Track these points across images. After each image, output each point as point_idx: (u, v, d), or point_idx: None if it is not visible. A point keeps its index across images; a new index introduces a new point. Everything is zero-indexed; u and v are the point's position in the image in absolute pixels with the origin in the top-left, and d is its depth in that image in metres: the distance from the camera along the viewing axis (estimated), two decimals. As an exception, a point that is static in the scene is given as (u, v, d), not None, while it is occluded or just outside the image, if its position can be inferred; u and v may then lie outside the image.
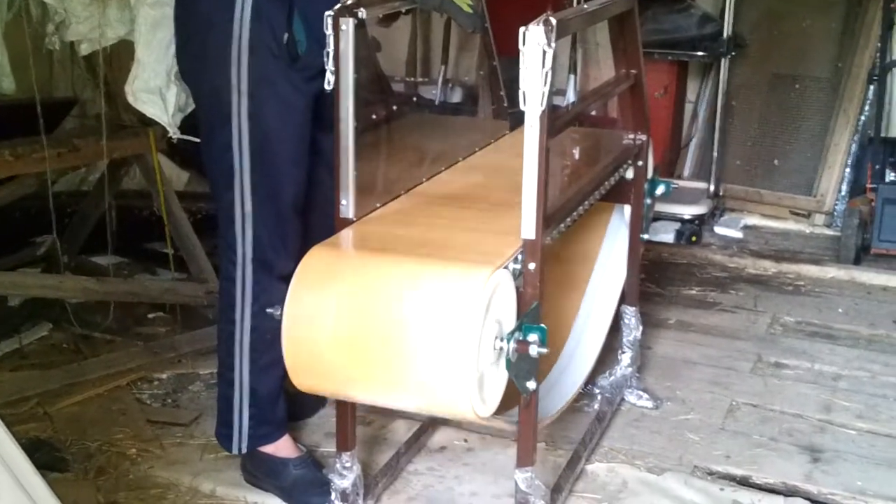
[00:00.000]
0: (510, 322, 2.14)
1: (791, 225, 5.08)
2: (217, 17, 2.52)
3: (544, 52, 2.04)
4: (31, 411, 3.20)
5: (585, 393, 3.24)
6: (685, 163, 5.42)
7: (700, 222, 4.89)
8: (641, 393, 3.28)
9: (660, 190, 3.21)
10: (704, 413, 3.24)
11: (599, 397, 3.21)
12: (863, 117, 4.97)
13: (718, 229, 5.00)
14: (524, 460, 2.32)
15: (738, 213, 5.17)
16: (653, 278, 4.35)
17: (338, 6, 2.25)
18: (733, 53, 5.03)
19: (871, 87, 4.87)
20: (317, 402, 3.11)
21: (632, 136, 3.07)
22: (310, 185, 2.70)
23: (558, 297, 3.12)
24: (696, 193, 5.00)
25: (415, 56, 5.53)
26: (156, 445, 3.03)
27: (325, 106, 2.51)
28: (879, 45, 4.77)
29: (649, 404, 3.26)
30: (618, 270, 3.23)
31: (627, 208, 3.14)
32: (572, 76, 5.06)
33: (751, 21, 5.26)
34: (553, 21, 2.05)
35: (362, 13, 2.27)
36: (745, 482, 2.87)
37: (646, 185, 3.13)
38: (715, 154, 5.07)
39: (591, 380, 3.23)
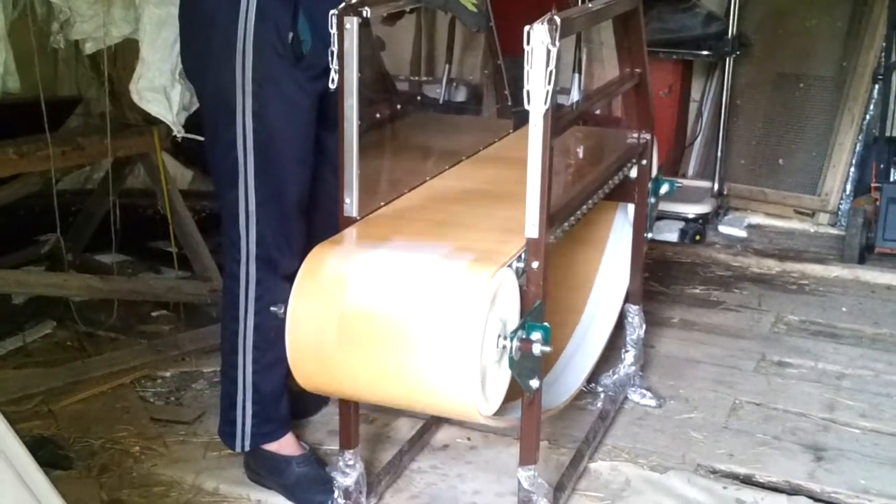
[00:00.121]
0: (514, 320, 2.14)
1: (795, 224, 5.07)
2: (222, 17, 2.52)
3: (548, 51, 2.04)
4: (35, 409, 3.20)
5: (589, 391, 3.25)
6: (689, 162, 5.42)
7: (704, 221, 4.88)
8: (645, 391, 3.28)
9: (664, 189, 3.21)
10: (708, 411, 3.24)
11: (603, 395, 3.22)
12: (867, 116, 4.97)
13: (722, 228, 5.00)
14: (527, 458, 2.32)
15: (742, 212, 5.17)
16: (656, 277, 4.35)
17: (342, 5, 2.25)
18: (738, 52, 5.04)
19: (876, 87, 4.87)
20: (320, 400, 3.11)
21: (636, 134, 3.07)
22: (314, 183, 2.70)
23: (563, 295, 3.12)
24: (700, 192, 5.00)
25: (419, 55, 5.54)
26: (159, 443, 3.03)
27: (329, 105, 2.51)
28: (884, 44, 4.76)
29: (652, 403, 3.26)
30: (622, 269, 3.23)
31: (631, 207, 3.13)
32: (576, 75, 5.06)
33: (755, 20, 5.26)
34: (557, 20, 2.05)
35: (367, 12, 2.27)
36: (748, 481, 2.87)
37: (650, 184, 3.13)
38: (719, 153, 5.07)
39: (595, 378, 3.23)
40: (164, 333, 3.80)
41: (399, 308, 2.07)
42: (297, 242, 2.65)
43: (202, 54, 2.61)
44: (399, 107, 2.76)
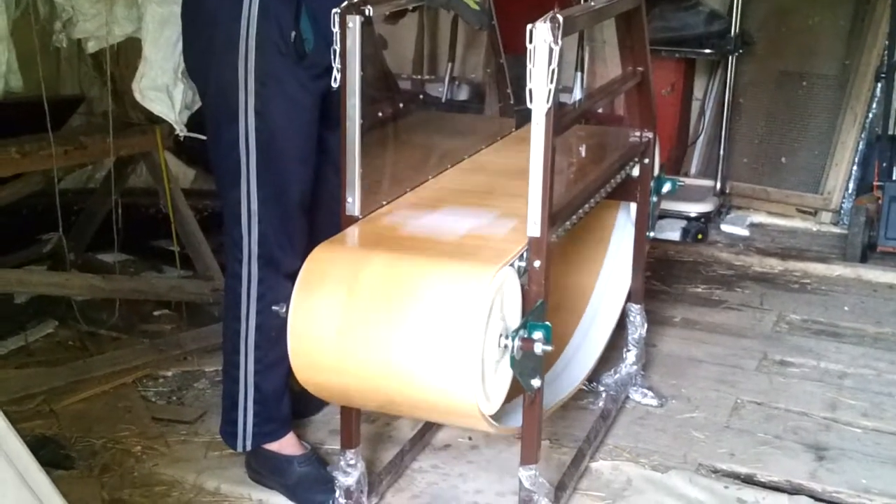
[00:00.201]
0: (515, 320, 2.14)
1: (798, 223, 5.07)
2: (224, 15, 2.52)
3: (551, 50, 2.04)
4: (37, 408, 3.21)
5: (590, 391, 3.25)
6: (692, 160, 5.42)
7: (706, 220, 4.88)
8: (646, 391, 3.28)
9: (666, 187, 3.21)
10: (709, 411, 3.24)
11: (604, 395, 3.21)
12: (870, 115, 4.96)
13: (725, 227, 5.00)
14: (528, 458, 2.32)
15: (744, 211, 5.17)
16: (658, 276, 4.35)
17: (345, 3, 2.25)
18: (741, 51, 5.04)
19: (879, 85, 4.86)
20: (321, 399, 3.10)
21: (638, 133, 3.06)
22: (316, 182, 2.70)
23: (564, 294, 3.12)
24: (702, 191, 5.00)
25: (421, 53, 5.54)
26: (161, 443, 3.03)
27: (331, 104, 2.51)
28: (887, 42, 4.75)
29: (654, 402, 3.26)
30: (624, 268, 3.22)
31: (633, 206, 3.13)
32: (579, 74, 5.05)
33: (758, 18, 5.26)
34: (560, 18, 2.05)
35: (369, 10, 2.27)
36: (749, 480, 2.87)
37: (652, 183, 3.13)
38: (722, 152, 5.07)
39: (596, 377, 3.23)
40: (166, 333, 3.80)
41: (401, 307, 2.07)
42: (300, 241, 2.65)
43: (204, 53, 2.61)
44: (401, 105, 2.75)
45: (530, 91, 2.07)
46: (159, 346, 3.63)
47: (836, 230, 4.95)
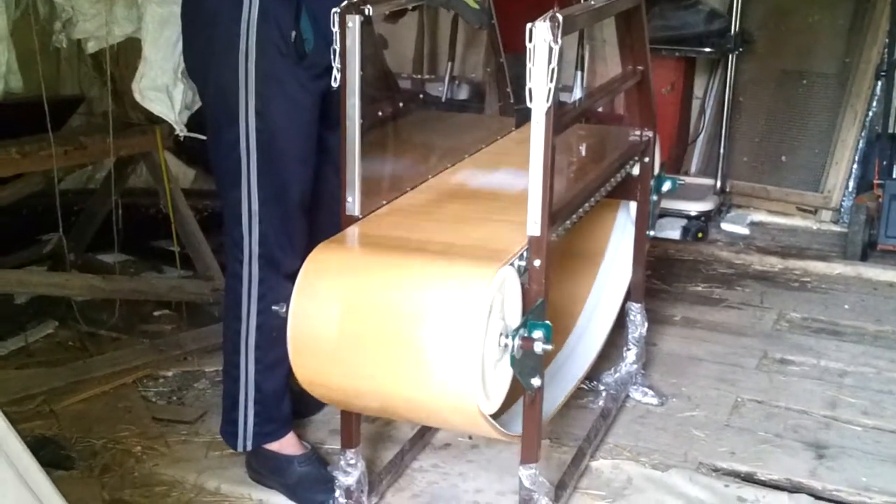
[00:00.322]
0: (515, 319, 2.14)
1: (798, 221, 5.07)
2: (224, 16, 2.52)
3: (551, 49, 2.04)
4: (37, 409, 3.21)
5: (590, 389, 3.25)
6: (692, 159, 5.42)
7: (706, 219, 4.88)
8: (646, 389, 3.28)
9: (666, 186, 3.21)
10: (710, 409, 3.24)
11: (604, 394, 3.21)
12: (870, 113, 4.96)
13: (725, 226, 5.00)
14: (528, 457, 2.32)
15: (744, 210, 5.17)
16: (659, 275, 4.35)
17: (344, 3, 2.25)
18: (741, 50, 5.04)
19: (879, 83, 4.86)
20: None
21: (638, 132, 3.06)
22: (316, 182, 2.70)
23: (564, 293, 3.12)
24: (702, 190, 5.00)
25: (421, 53, 5.53)
26: (161, 443, 3.03)
27: (332, 104, 2.51)
28: (887, 40, 4.75)
29: (654, 401, 3.26)
30: (624, 267, 3.22)
31: (633, 205, 3.13)
32: (579, 73, 5.05)
33: (758, 17, 5.26)
34: (559, 17, 2.05)
35: (369, 10, 2.27)
36: (749, 478, 2.87)
37: (652, 182, 3.13)
38: (722, 150, 5.08)
39: (597, 376, 3.23)
40: (166, 333, 3.80)
41: (401, 307, 2.07)
42: (300, 242, 2.65)
43: (205, 53, 2.61)
44: (401, 105, 2.75)
45: (530, 90, 2.06)
46: (159, 346, 3.63)
47: (837, 228, 4.95)
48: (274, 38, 2.52)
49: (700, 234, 4.80)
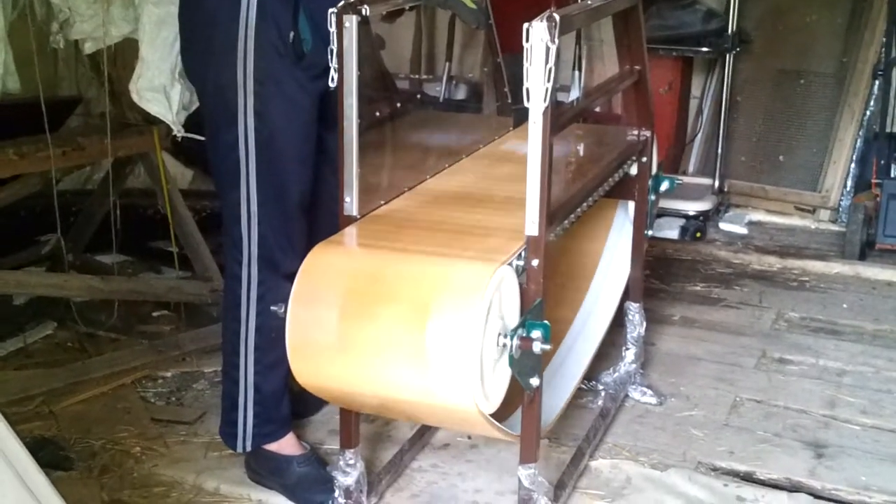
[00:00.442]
0: (513, 318, 2.14)
1: (796, 221, 5.07)
2: (222, 16, 2.52)
3: (548, 49, 2.04)
4: (36, 410, 3.21)
5: (589, 389, 3.25)
6: (690, 159, 5.42)
7: (705, 218, 4.88)
8: (645, 389, 3.28)
9: (664, 186, 3.21)
10: (708, 409, 3.24)
11: (603, 394, 3.22)
12: (868, 113, 4.96)
13: (723, 225, 5.00)
14: (527, 457, 2.32)
15: (742, 209, 5.17)
16: (657, 274, 4.35)
17: (341, 3, 2.25)
18: (738, 49, 5.04)
19: (877, 83, 4.87)
20: (320, 399, 3.09)
21: (636, 132, 3.06)
22: (316, 183, 2.69)
23: (562, 293, 3.12)
24: (700, 189, 5.00)
25: (419, 53, 5.53)
26: (160, 444, 3.03)
27: (330, 104, 2.50)
28: (885, 40, 4.76)
29: (653, 400, 3.26)
30: (621, 267, 3.22)
31: (632, 204, 3.13)
32: (576, 72, 5.05)
33: (755, 16, 5.26)
34: (556, 17, 2.05)
35: (366, 10, 2.27)
36: (749, 478, 2.87)
37: (650, 182, 3.13)
38: (719, 150, 5.07)
39: (596, 376, 3.24)
40: (165, 334, 3.80)
41: (399, 307, 2.07)
42: (299, 242, 2.65)
43: (203, 54, 2.61)
44: (399, 105, 2.75)
45: (527, 90, 2.07)
46: (158, 346, 3.63)
47: (835, 228, 4.95)
48: (272, 38, 2.52)
49: (698, 234, 4.81)
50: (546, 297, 2.21)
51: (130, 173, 4.19)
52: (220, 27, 2.53)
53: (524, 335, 2.11)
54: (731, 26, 4.97)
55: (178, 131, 3.36)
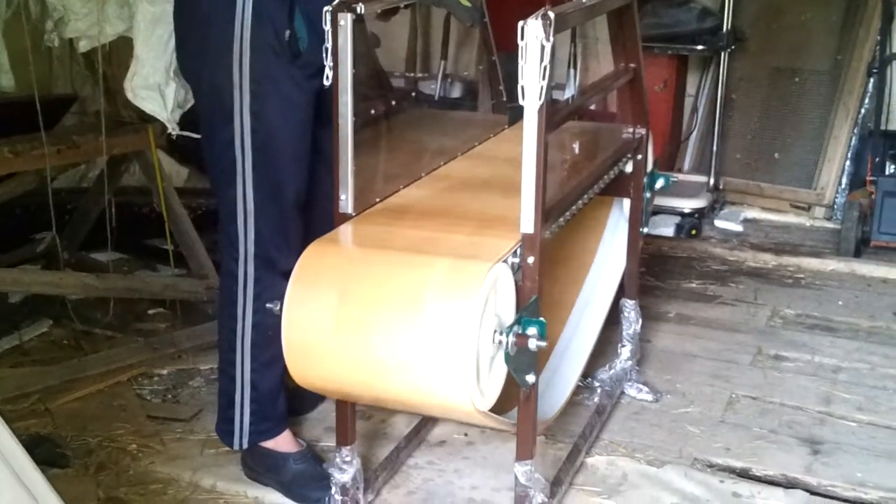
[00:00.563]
0: (509, 316, 2.14)
1: (791, 218, 5.08)
2: (218, 15, 2.52)
3: (543, 47, 2.04)
4: (32, 407, 3.21)
5: (585, 386, 3.25)
6: (685, 156, 5.42)
7: (700, 216, 4.89)
8: (641, 386, 3.28)
9: (659, 183, 3.21)
10: (704, 406, 3.24)
11: (599, 390, 3.22)
12: (863, 110, 4.98)
13: (718, 223, 5.01)
14: (524, 454, 2.32)
15: (738, 207, 5.18)
16: (652, 272, 4.35)
17: (336, 1, 2.25)
18: (733, 47, 5.04)
19: (871, 80, 4.88)
20: (317, 397, 3.11)
21: (631, 129, 3.07)
22: (311, 181, 2.69)
23: (557, 290, 3.12)
24: (695, 187, 5.01)
25: (414, 51, 5.53)
26: (156, 441, 3.03)
27: (326, 103, 2.50)
28: (879, 38, 4.77)
29: (649, 397, 3.26)
30: (617, 264, 3.23)
31: (627, 202, 3.14)
32: (572, 70, 5.05)
33: (750, 15, 5.27)
34: (551, 15, 2.05)
35: (361, 8, 2.27)
36: (745, 474, 2.88)
37: (645, 179, 3.13)
38: (715, 147, 5.08)
39: (591, 373, 3.24)
40: (161, 331, 3.80)
41: (394, 304, 2.07)
42: (295, 240, 2.65)
43: (199, 53, 2.61)
44: (394, 103, 2.75)
45: (522, 88, 2.06)
46: (154, 344, 3.63)
47: (830, 225, 4.96)
48: (268, 37, 2.51)
49: (694, 231, 4.82)
50: (541, 294, 2.21)
51: (125, 171, 4.19)
52: (216, 26, 2.53)
53: (520, 332, 2.11)
54: (726, 24, 4.97)
55: (173, 129, 3.36)
